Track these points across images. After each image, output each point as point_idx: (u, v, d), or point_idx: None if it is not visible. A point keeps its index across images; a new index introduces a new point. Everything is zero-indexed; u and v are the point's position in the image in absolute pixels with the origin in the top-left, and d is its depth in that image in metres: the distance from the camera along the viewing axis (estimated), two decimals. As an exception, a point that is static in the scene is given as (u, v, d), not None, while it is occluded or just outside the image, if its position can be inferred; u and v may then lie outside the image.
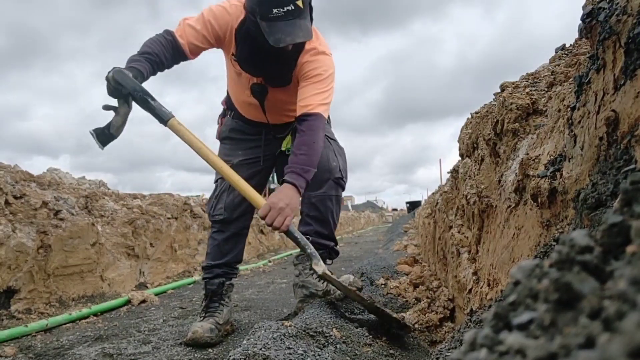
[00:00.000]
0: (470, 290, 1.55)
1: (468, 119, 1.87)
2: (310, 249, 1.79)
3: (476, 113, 1.69)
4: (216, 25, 1.84)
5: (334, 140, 2.18)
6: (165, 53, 1.80)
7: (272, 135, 2.14)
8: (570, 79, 0.98)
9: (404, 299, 2.37)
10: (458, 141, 1.98)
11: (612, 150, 0.63)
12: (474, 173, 1.61)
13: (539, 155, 0.96)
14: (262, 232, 6.70)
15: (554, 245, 0.73)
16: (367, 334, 1.56)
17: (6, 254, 2.39)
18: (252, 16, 1.73)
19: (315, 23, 2.01)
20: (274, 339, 1.25)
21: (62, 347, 1.91)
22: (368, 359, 1.37)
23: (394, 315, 1.75)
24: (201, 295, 2.20)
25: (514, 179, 1.08)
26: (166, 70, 1.89)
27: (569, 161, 0.78)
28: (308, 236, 2.15)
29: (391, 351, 1.50)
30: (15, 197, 2.56)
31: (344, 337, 1.43)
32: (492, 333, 0.27)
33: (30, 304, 2.53)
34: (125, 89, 1.65)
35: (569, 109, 0.82)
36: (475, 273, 1.56)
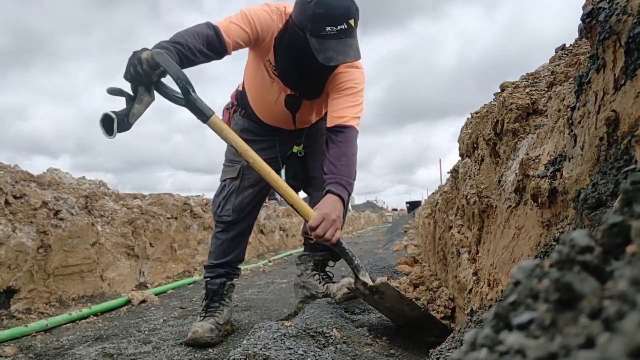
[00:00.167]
0: (470, 291, 1.55)
1: (468, 119, 1.87)
2: (357, 260, 1.74)
3: (476, 113, 1.69)
4: (259, 28, 1.78)
5: None
6: (202, 47, 1.65)
7: (286, 137, 2.12)
8: (570, 79, 0.98)
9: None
10: (458, 141, 1.98)
11: (613, 150, 0.63)
12: (474, 173, 1.61)
13: (539, 155, 0.96)
14: (262, 232, 6.70)
15: (554, 245, 0.73)
16: (367, 334, 1.56)
17: (6, 254, 2.39)
18: (301, 31, 1.69)
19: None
20: (274, 339, 1.25)
21: (62, 347, 1.91)
22: (368, 359, 1.37)
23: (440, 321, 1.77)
24: (201, 295, 2.20)
25: (514, 179, 1.08)
26: (191, 67, 1.70)
27: (569, 161, 0.78)
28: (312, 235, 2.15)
29: (391, 351, 1.50)
30: (15, 197, 2.56)
31: (344, 337, 1.43)
32: (492, 333, 0.27)
33: (30, 303, 2.53)
34: (162, 84, 1.45)
35: (569, 109, 0.82)
36: (475, 273, 1.56)
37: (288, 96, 1.94)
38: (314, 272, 2.21)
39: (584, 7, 0.74)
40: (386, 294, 1.69)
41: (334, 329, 1.45)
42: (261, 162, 1.71)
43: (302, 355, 1.20)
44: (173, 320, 2.42)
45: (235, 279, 2.15)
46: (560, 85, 1.14)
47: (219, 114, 2.21)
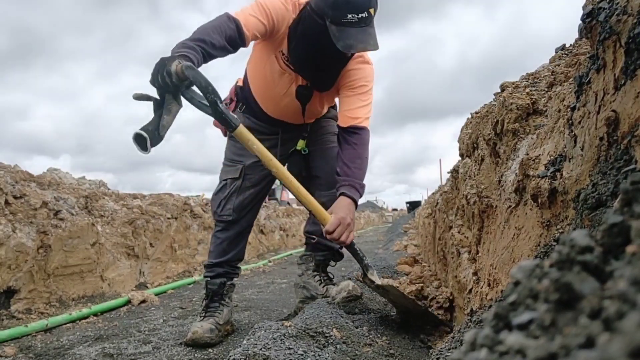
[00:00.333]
0: (470, 291, 1.55)
1: (468, 119, 1.87)
2: (367, 260, 1.86)
3: (476, 113, 1.69)
4: (275, 18, 1.77)
5: None
6: (224, 43, 1.64)
7: (290, 134, 2.11)
8: (571, 79, 0.98)
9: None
10: (458, 141, 1.98)
11: (613, 150, 0.63)
12: (474, 173, 1.61)
13: (539, 155, 0.96)
14: (262, 232, 6.70)
15: (554, 246, 0.73)
16: (367, 334, 1.56)
17: (6, 254, 2.39)
18: (320, 18, 1.68)
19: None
20: (274, 339, 1.25)
21: (62, 347, 1.91)
22: (368, 359, 1.37)
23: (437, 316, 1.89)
24: (201, 295, 2.20)
25: (514, 179, 1.08)
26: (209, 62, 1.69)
27: (569, 161, 0.78)
28: (315, 236, 2.15)
29: (391, 351, 1.50)
30: (15, 197, 2.56)
31: (344, 337, 1.43)
32: (492, 333, 0.27)
33: (31, 304, 2.53)
34: (195, 87, 1.48)
35: (569, 109, 0.82)
36: (475, 273, 1.56)
37: (300, 87, 1.93)
38: (315, 273, 2.20)
39: (584, 7, 0.74)
40: (391, 293, 1.84)
41: (334, 329, 1.45)
42: (284, 170, 1.76)
43: (302, 355, 1.20)
44: (173, 320, 2.42)
45: (235, 279, 2.15)
46: (560, 85, 1.14)
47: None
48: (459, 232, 1.93)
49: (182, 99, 1.53)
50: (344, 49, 1.65)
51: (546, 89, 1.21)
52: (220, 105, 1.54)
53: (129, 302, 2.86)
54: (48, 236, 2.67)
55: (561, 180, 0.80)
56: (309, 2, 1.78)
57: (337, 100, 2.15)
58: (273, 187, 1.97)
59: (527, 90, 1.24)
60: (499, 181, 1.27)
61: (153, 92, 1.51)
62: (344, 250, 2.08)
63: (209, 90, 1.49)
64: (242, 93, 2.12)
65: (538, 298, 0.26)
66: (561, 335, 0.23)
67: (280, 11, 1.78)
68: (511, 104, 1.18)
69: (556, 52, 1.39)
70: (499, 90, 1.42)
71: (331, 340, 1.37)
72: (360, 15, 1.64)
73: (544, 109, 1.16)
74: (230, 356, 1.16)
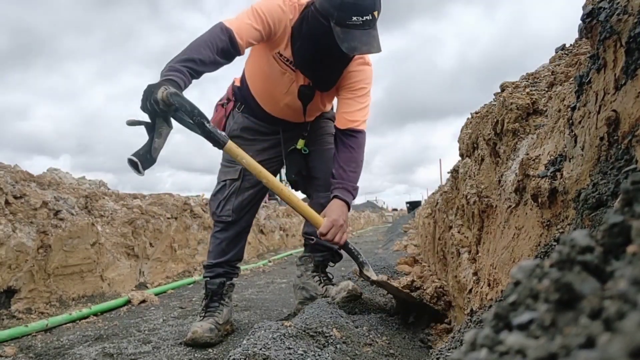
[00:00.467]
0: (470, 291, 1.54)
1: (468, 119, 1.87)
2: (362, 257, 1.97)
3: (476, 113, 1.69)
4: (271, 23, 1.78)
5: None
6: (215, 57, 1.68)
7: (290, 133, 2.12)
8: (571, 79, 0.98)
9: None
10: (458, 141, 1.98)
11: (613, 150, 0.63)
12: (474, 173, 1.61)
13: (539, 155, 0.96)
14: (262, 232, 6.70)
15: (555, 246, 0.73)
16: (367, 333, 1.56)
17: (6, 254, 2.39)
18: (324, 19, 1.69)
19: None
20: (274, 339, 1.25)
21: (63, 347, 1.91)
22: (368, 359, 1.37)
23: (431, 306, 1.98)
24: (201, 295, 2.20)
25: (514, 179, 1.08)
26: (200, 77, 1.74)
27: (570, 161, 0.78)
28: (313, 237, 2.16)
29: (391, 351, 1.50)
30: (15, 197, 2.56)
31: (344, 337, 1.43)
32: (492, 333, 0.27)
33: (31, 303, 2.53)
34: (181, 112, 1.56)
35: (569, 109, 0.82)
36: (475, 273, 1.56)
37: (302, 86, 1.93)
38: (315, 274, 2.20)
39: (584, 7, 0.74)
40: (386, 287, 2.00)
41: (334, 329, 1.45)
42: (274, 180, 1.82)
43: (301, 355, 1.20)
44: (173, 320, 2.42)
45: (235, 279, 2.15)
46: (561, 85, 1.14)
47: (212, 111, 2.21)
48: (458, 232, 1.93)
49: (173, 120, 1.61)
50: (348, 50, 1.66)
51: (546, 89, 1.21)
52: (207, 125, 1.62)
53: (129, 302, 2.86)
54: (48, 236, 2.67)
55: (561, 180, 0.80)
56: (312, 2, 1.78)
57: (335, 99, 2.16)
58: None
59: (527, 90, 1.23)
60: (499, 181, 1.27)
61: (145, 116, 1.60)
62: (343, 251, 2.11)
63: (194, 114, 1.57)
64: (240, 93, 2.12)
65: (538, 298, 0.26)
66: (561, 336, 0.23)
67: (276, 14, 1.79)
68: (511, 103, 1.18)
69: (556, 52, 1.39)
70: (499, 90, 1.42)
71: (331, 340, 1.37)
72: (364, 18, 1.65)
73: (544, 108, 1.16)
74: (230, 356, 1.16)
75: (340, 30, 1.65)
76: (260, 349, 1.16)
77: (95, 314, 2.55)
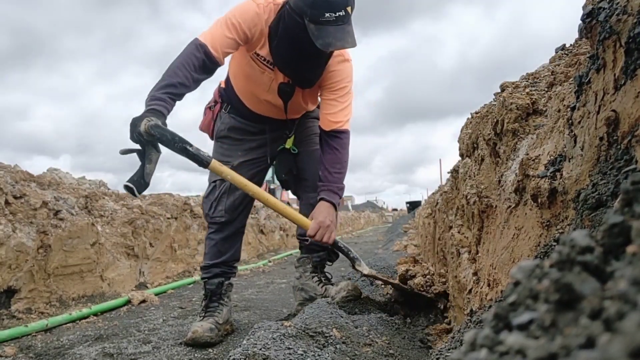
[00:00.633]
0: (470, 291, 1.54)
1: (468, 119, 1.87)
2: (353, 253, 2.06)
3: (476, 113, 1.69)
4: (246, 29, 1.82)
5: None
6: (194, 74, 1.76)
7: (277, 132, 2.14)
8: (570, 79, 0.98)
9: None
10: (458, 141, 1.98)
11: (613, 150, 0.63)
12: (474, 173, 1.61)
13: (539, 155, 0.96)
14: (262, 232, 6.70)
15: (554, 246, 0.73)
16: (366, 334, 1.56)
17: (6, 254, 2.39)
18: (299, 17, 1.72)
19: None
20: (274, 339, 1.25)
21: (63, 347, 1.91)
22: (368, 359, 1.37)
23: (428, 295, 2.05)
24: (201, 295, 2.20)
25: (514, 179, 1.08)
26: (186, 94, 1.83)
27: (569, 161, 0.78)
28: (308, 238, 2.16)
29: (391, 351, 1.50)
30: (15, 197, 2.56)
31: (343, 337, 1.43)
32: (492, 333, 0.27)
33: (31, 303, 2.53)
34: (163, 141, 1.68)
35: (569, 109, 0.82)
36: (475, 273, 1.56)
37: (282, 84, 1.96)
38: (313, 274, 2.21)
39: (584, 7, 0.74)
40: (378, 279, 2.13)
41: (334, 329, 1.45)
42: (260, 191, 1.92)
43: (301, 355, 1.20)
44: (173, 320, 2.42)
45: (233, 278, 2.15)
46: (560, 85, 1.14)
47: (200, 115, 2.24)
48: (458, 232, 1.93)
49: (160, 145, 1.74)
50: (322, 47, 1.68)
51: (546, 89, 1.21)
52: (189, 149, 1.73)
53: (129, 302, 2.86)
54: (48, 236, 2.67)
55: (561, 180, 0.80)
56: (287, 1, 1.80)
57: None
58: (272, 187, 2.04)
59: (527, 90, 1.23)
60: (499, 181, 1.27)
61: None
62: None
63: (175, 141, 1.70)
64: (225, 94, 2.16)
65: (538, 298, 0.26)
66: (561, 336, 0.23)
67: (252, 19, 1.82)
68: (511, 104, 1.18)
69: (556, 52, 1.39)
70: (499, 90, 1.42)
71: (331, 340, 1.37)
72: (337, 14, 1.67)
73: (544, 109, 1.16)
74: (230, 356, 1.16)
75: (314, 28, 1.68)
76: (260, 349, 1.16)
77: (95, 314, 2.55)
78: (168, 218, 4.15)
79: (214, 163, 1.80)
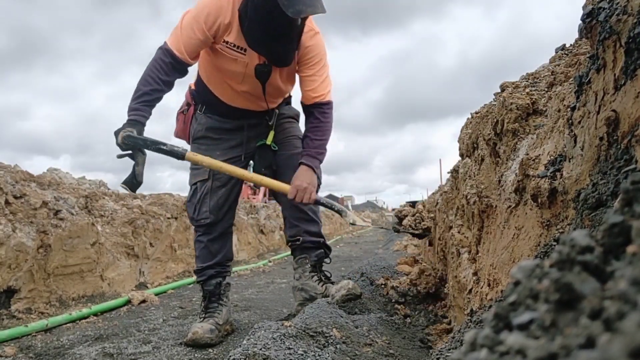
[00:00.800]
0: (470, 291, 1.54)
1: (468, 119, 1.87)
2: (337, 206, 2.18)
3: (476, 113, 1.69)
4: (212, 23, 1.84)
5: None
6: (165, 78, 1.87)
7: (255, 129, 2.16)
8: (570, 79, 0.98)
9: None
10: (458, 141, 1.98)
11: (613, 150, 0.63)
12: (474, 173, 1.61)
13: (539, 155, 0.96)
14: (262, 232, 6.70)
15: (554, 246, 0.73)
16: (366, 334, 1.56)
17: (6, 254, 2.39)
18: None
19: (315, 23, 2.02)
20: (274, 339, 1.25)
21: (63, 347, 1.91)
22: (368, 359, 1.37)
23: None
24: (200, 296, 2.20)
25: (514, 179, 1.08)
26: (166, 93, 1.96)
27: (569, 161, 0.78)
28: (299, 237, 2.17)
29: (391, 351, 1.50)
30: (15, 197, 2.56)
31: (344, 337, 1.43)
32: (492, 333, 0.27)
33: (31, 303, 2.53)
34: (139, 147, 1.87)
35: (569, 109, 0.82)
36: (475, 273, 1.56)
37: (258, 65, 1.95)
38: (313, 274, 2.20)
39: (584, 7, 0.74)
40: (373, 224, 2.51)
41: (334, 329, 1.45)
42: (236, 169, 2.00)
43: (301, 355, 1.20)
44: (173, 320, 2.42)
45: (229, 277, 2.16)
46: (560, 85, 1.14)
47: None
48: (459, 232, 1.93)
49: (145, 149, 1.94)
50: (293, 14, 1.71)
51: (546, 89, 1.21)
52: (163, 147, 1.91)
53: (129, 302, 2.86)
54: (48, 236, 2.67)
55: (561, 180, 0.80)
56: None
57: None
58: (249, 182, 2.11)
59: (527, 90, 1.23)
60: (499, 181, 1.27)
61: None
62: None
63: (148, 144, 1.89)
64: (198, 94, 2.16)
65: (538, 298, 0.26)
66: (562, 336, 0.23)
67: (214, 11, 1.84)
68: (511, 104, 1.18)
69: (556, 52, 1.39)
70: (499, 90, 1.42)
71: (331, 340, 1.37)
72: None
73: (544, 109, 1.16)
74: (230, 356, 1.16)
75: None
76: (260, 349, 1.16)
77: (95, 314, 2.55)
78: (168, 218, 4.15)
79: (189, 154, 1.93)
